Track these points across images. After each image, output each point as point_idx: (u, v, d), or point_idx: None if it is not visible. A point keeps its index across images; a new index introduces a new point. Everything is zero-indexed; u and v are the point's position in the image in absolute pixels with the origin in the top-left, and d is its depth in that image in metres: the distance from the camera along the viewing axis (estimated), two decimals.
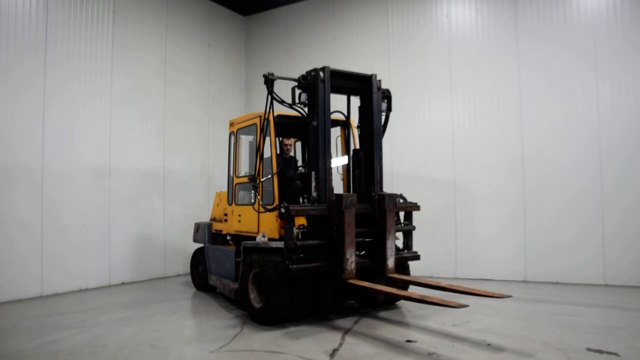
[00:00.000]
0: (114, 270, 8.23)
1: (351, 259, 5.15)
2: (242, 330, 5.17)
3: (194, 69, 10.23)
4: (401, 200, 5.97)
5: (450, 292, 4.95)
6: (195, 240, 7.77)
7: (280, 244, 5.25)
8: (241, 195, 6.65)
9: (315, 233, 5.35)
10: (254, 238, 5.86)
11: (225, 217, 6.88)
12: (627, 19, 7.43)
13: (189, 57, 10.11)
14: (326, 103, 5.55)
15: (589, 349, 4.24)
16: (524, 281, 7.99)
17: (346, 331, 5.04)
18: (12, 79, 6.96)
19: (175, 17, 9.82)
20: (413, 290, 5.28)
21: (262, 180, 5.71)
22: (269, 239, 5.55)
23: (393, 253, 5.50)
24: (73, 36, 7.80)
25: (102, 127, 8.21)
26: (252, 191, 5.67)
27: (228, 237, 6.90)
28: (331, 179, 5.54)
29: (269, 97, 5.53)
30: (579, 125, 7.70)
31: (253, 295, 5.52)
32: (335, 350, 4.37)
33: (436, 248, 8.52)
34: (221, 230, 7.07)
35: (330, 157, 5.55)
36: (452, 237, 8.64)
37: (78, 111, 7.82)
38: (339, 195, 5.21)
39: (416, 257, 5.97)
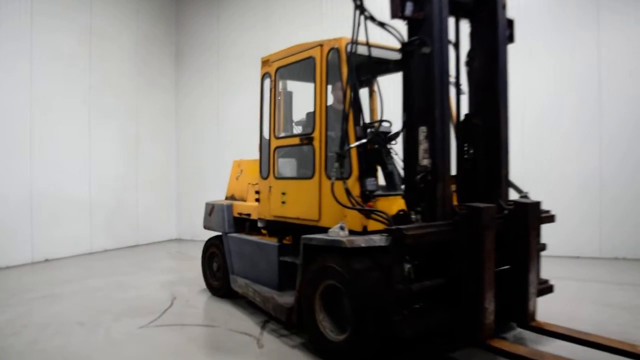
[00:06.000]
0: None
1: (490, 307, 3.25)
2: None
3: (122, 36, 9.45)
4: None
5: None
6: (207, 227, 5.63)
7: (376, 240, 3.31)
8: (284, 164, 4.61)
9: (431, 266, 3.39)
10: (312, 228, 3.92)
11: (257, 196, 4.79)
12: None
13: (117, 19, 9.30)
14: (443, 18, 3.54)
15: None
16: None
17: None
18: None
19: None
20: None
21: (351, 147, 3.64)
22: (350, 233, 3.56)
23: (535, 290, 3.63)
24: None
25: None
26: (335, 166, 3.57)
27: (260, 224, 4.84)
28: (449, 143, 3.57)
29: (357, 11, 3.51)
30: None
31: (324, 321, 3.57)
32: None
33: None
34: (249, 214, 5.00)
35: (449, 103, 3.58)
36: None
37: None
38: (473, 209, 3.25)
39: (549, 288, 4.10)
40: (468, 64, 4.17)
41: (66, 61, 8.31)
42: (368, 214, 3.52)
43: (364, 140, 3.66)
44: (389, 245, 3.18)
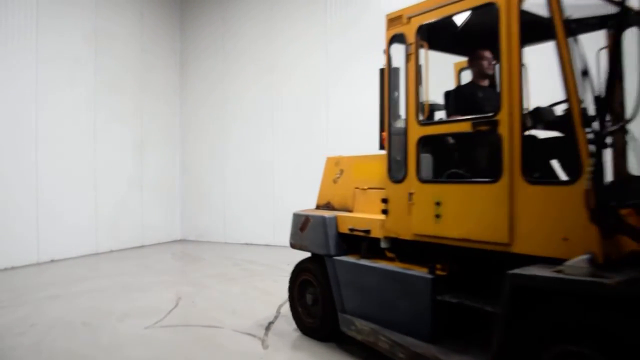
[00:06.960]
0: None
1: None
2: None
3: (127, 40, 9.38)
4: None
5: None
6: (297, 246, 4.28)
7: None
8: (429, 161, 3.31)
9: None
10: (493, 255, 2.67)
11: (385, 206, 3.46)
12: None
13: (121, 24, 9.25)
14: None
15: None
16: None
17: None
18: None
19: None
20: None
21: (622, 124, 2.34)
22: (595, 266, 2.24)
23: None
24: None
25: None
26: (591, 163, 2.22)
27: (384, 245, 3.53)
28: None
29: None
30: None
31: None
32: None
33: None
34: (368, 231, 3.67)
35: None
36: None
37: None
38: None
39: None
40: None
41: (71, 64, 8.30)
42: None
43: (629, 119, 2.36)
44: None
